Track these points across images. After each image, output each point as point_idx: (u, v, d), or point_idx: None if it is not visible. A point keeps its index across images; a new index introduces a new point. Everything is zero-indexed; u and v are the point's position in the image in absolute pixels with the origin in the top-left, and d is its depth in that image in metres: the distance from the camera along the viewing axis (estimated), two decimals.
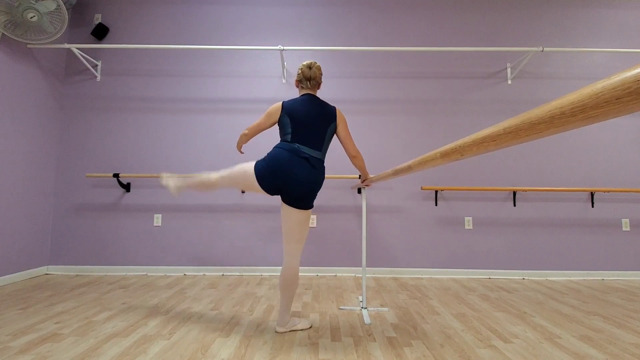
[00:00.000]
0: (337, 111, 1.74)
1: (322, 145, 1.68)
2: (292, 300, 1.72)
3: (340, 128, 1.74)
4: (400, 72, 3.25)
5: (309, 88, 1.74)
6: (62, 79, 3.19)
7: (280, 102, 1.72)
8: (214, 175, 1.75)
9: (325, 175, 2.95)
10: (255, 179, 1.62)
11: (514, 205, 3.11)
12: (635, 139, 3.19)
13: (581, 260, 3.06)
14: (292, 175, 1.58)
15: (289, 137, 1.65)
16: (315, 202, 3.09)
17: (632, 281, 2.94)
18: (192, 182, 1.82)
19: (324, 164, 1.75)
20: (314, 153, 1.64)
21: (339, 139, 1.79)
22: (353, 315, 1.99)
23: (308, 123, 1.65)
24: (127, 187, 3.08)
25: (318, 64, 1.75)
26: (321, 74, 1.76)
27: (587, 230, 3.09)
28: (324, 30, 3.28)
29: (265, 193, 1.66)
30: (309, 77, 1.72)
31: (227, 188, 1.70)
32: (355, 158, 1.78)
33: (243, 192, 3.09)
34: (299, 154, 1.60)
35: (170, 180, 1.88)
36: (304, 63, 1.74)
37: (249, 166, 1.65)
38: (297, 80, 1.77)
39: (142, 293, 2.41)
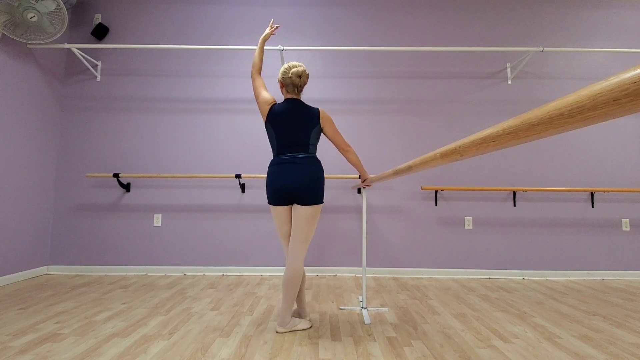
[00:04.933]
0: (320, 113, 1.75)
1: (308, 148, 1.72)
2: (294, 301, 1.73)
3: (326, 128, 1.76)
4: (400, 72, 3.25)
5: (295, 93, 1.76)
6: (62, 79, 3.19)
7: (269, 107, 1.75)
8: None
9: (326, 176, 2.95)
10: (273, 209, 1.74)
11: (514, 205, 3.11)
12: (635, 139, 3.19)
13: (581, 260, 3.06)
14: (288, 179, 1.66)
15: (274, 149, 1.75)
16: None
17: (632, 281, 2.94)
18: (299, 294, 1.82)
19: (318, 159, 1.75)
20: (301, 155, 1.70)
21: (328, 138, 1.80)
22: (353, 315, 1.99)
23: (291, 131, 1.70)
24: (127, 187, 3.08)
25: (306, 70, 1.74)
26: (308, 78, 1.76)
27: (587, 230, 3.09)
28: (324, 30, 3.28)
29: (288, 212, 1.74)
30: (298, 85, 1.73)
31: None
32: (347, 152, 1.78)
33: (243, 192, 3.09)
34: (286, 160, 1.69)
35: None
36: (293, 70, 1.69)
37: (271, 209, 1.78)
38: (281, 84, 1.75)
39: (142, 293, 2.41)
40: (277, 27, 2.01)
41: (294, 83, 1.71)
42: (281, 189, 1.67)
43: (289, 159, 1.69)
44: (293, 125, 1.70)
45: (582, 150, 3.18)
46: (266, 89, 1.82)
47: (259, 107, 1.79)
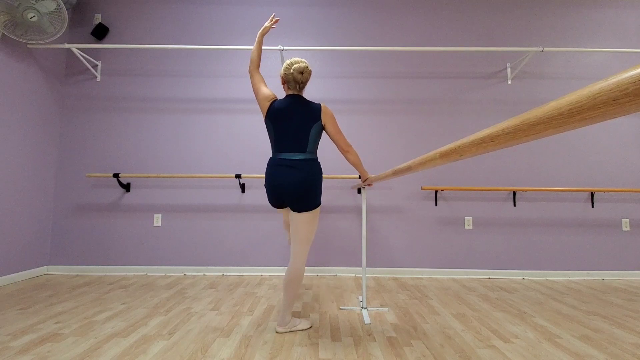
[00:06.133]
0: (322, 108, 1.71)
1: (306, 146, 1.68)
2: (294, 301, 1.73)
3: (328, 126, 1.72)
4: (400, 72, 3.25)
5: (296, 90, 1.73)
6: (62, 79, 3.19)
7: (269, 103, 1.72)
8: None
9: (326, 176, 2.95)
10: (275, 208, 1.78)
11: (514, 205, 3.11)
12: (635, 139, 3.19)
13: (581, 260, 3.06)
14: (281, 186, 1.64)
15: (273, 147, 1.73)
16: None
17: (632, 281, 2.94)
18: (296, 293, 1.78)
19: (316, 161, 1.71)
20: (298, 156, 1.66)
21: (328, 135, 1.77)
22: (353, 315, 1.99)
23: (290, 127, 1.67)
24: (127, 187, 3.09)
25: (309, 66, 1.70)
26: (310, 74, 1.73)
27: (587, 230, 3.09)
28: (324, 30, 3.28)
29: (287, 212, 1.78)
30: (300, 82, 1.70)
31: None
32: (347, 153, 1.75)
33: (243, 192, 3.09)
34: (281, 163, 1.66)
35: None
36: (294, 66, 1.66)
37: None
38: (283, 80, 1.73)
39: (142, 293, 2.41)
40: (277, 20, 1.97)
41: (295, 79, 1.68)
42: (275, 195, 1.66)
43: (284, 162, 1.65)
44: (293, 121, 1.67)
45: (582, 150, 3.17)
46: (266, 85, 1.79)
47: (258, 103, 1.75)
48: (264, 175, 2.85)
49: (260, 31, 1.90)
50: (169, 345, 1.56)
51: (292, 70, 1.67)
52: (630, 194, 3.12)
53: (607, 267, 3.05)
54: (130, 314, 1.96)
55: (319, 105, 1.72)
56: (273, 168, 1.67)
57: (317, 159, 1.72)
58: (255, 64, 1.82)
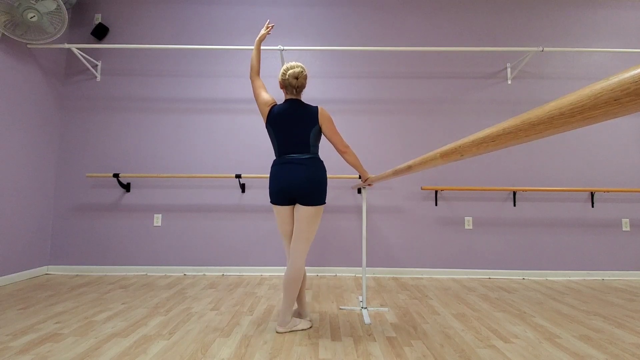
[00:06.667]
0: (319, 111, 1.73)
1: (308, 148, 1.72)
2: (294, 301, 1.73)
3: (324, 128, 1.74)
4: (400, 72, 3.25)
5: (294, 94, 1.76)
6: (62, 79, 3.19)
7: (269, 108, 1.75)
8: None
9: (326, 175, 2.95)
10: (276, 208, 1.74)
11: (514, 205, 3.11)
12: (635, 139, 3.19)
13: (581, 260, 3.06)
14: (290, 179, 1.66)
15: (276, 151, 1.76)
16: None
17: (632, 281, 2.94)
18: (300, 294, 1.81)
19: (320, 160, 1.76)
20: (303, 156, 1.70)
21: (326, 137, 1.80)
22: (353, 315, 1.99)
23: (290, 131, 1.70)
24: (127, 187, 3.08)
25: (304, 71, 1.73)
26: (306, 79, 1.76)
27: (587, 230, 3.09)
28: (324, 30, 3.28)
29: (290, 212, 1.75)
30: (296, 86, 1.73)
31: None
32: (345, 154, 1.78)
33: (243, 192, 3.09)
34: (288, 160, 1.69)
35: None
36: (289, 72, 1.70)
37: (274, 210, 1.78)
38: (281, 85, 1.76)
39: (142, 293, 2.41)
40: (272, 26, 2.01)
41: (291, 84, 1.71)
42: (283, 189, 1.67)
43: (291, 159, 1.69)
44: (292, 126, 1.70)
45: (582, 150, 3.18)
46: (266, 90, 1.82)
47: (259, 108, 1.79)
48: (265, 176, 2.89)
49: (257, 38, 1.93)
50: (169, 345, 1.56)
51: (287, 75, 1.71)
52: (630, 194, 3.12)
53: (607, 267, 3.05)
54: (130, 314, 1.96)
55: (316, 108, 1.75)
56: (280, 166, 1.70)
57: (319, 158, 1.75)
58: (255, 70, 1.85)
